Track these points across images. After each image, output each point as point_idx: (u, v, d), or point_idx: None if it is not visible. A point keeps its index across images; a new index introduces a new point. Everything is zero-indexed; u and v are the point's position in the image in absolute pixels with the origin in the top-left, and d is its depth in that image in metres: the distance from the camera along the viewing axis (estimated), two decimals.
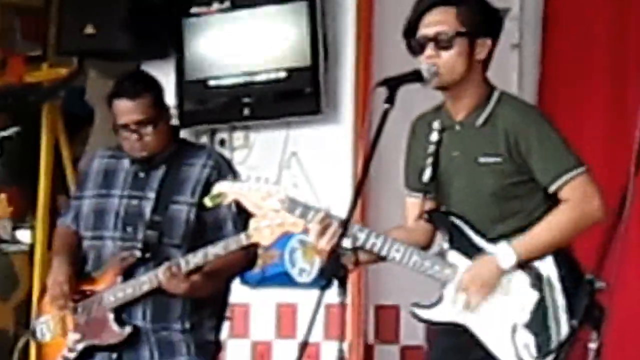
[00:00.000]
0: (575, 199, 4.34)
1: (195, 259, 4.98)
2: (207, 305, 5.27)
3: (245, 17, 7.39)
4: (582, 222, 4.36)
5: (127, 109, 5.15)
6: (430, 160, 4.53)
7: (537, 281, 4.35)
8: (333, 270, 4.15)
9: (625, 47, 7.17)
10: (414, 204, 4.64)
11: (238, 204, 4.70)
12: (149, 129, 5.15)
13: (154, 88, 5.33)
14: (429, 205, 4.59)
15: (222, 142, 7.49)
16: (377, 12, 7.12)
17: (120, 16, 7.53)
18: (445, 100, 4.55)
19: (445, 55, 4.40)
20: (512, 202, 4.44)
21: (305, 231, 4.57)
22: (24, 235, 9.31)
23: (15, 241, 9.43)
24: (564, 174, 4.36)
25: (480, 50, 4.47)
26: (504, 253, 4.33)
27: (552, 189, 4.38)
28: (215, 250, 4.96)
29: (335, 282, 4.10)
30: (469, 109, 4.49)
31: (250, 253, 5.14)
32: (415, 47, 4.47)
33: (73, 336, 5.23)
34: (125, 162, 5.30)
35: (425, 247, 4.58)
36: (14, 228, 9.49)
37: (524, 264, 4.35)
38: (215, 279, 5.12)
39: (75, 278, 5.22)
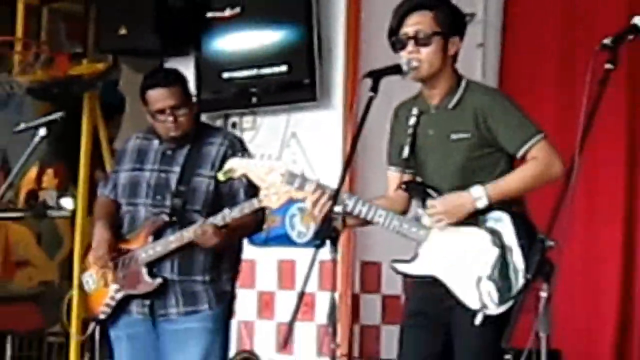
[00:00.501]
0: (541, 158, 4.34)
1: (216, 220, 4.98)
2: (225, 261, 5.26)
3: (252, 21, 7.41)
4: (545, 177, 4.35)
5: (162, 96, 5.13)
6: (409, 139, 4.51)
7: (498, 240, 4.32)
8: (326, 232, 4.19)
9: (572, 45, 7.17)
10: (394, 177, 4.63)
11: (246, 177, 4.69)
12: (182, 111, 5.15)
13: (182, 79, 5.31)
14: (407, 177, 4.57)
15: (233, 125, 7.49)
16: (364, 16, 7.14)
17: (148, 20, 7.55)
18: (421, 89, 4.54)
19: (424, 51, 4.39)
20: (478, 172, 4.41)
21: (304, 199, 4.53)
22: (67, 202, 9.34)
23: (59, 208, 9.44)
24: (528, 140, 4.36)
25: (451, 47, 4.47)
26: (477, 192, 4.31)
27: (519, 154, 4.39)
28: (233, 213, 4.97)
29: (328, 242, 4.14)
30: (442, 95, 4.47)
31: (259, 217, 5.14)
32: (397, 44, 4.45)
33: (113, 287, 5.23)
34: (155, 143, 5.29)
35: (403, 212, 4.55)
36: (59, 197, 9.50)
37: (489, 230, 4.32)
38: (234, 236, 5.12)
39: (114, 239, 5.21)
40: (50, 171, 9.65)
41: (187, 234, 5.03)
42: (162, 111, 5.13)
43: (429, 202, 4.38)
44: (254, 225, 5.22)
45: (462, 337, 4.37)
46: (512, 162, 4.45)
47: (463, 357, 4.39)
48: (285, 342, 7.02)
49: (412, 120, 4.52)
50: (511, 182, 4.35)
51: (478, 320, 4.26)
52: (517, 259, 4.30)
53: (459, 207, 4.33)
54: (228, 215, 4.97)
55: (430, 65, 4.39)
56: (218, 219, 4.98)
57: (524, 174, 4.36)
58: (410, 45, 4.39)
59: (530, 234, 4.28)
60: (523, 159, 4.38)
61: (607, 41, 3.65)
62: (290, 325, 4.20)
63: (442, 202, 4.35)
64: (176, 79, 5.24)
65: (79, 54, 8.51)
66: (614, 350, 6.96)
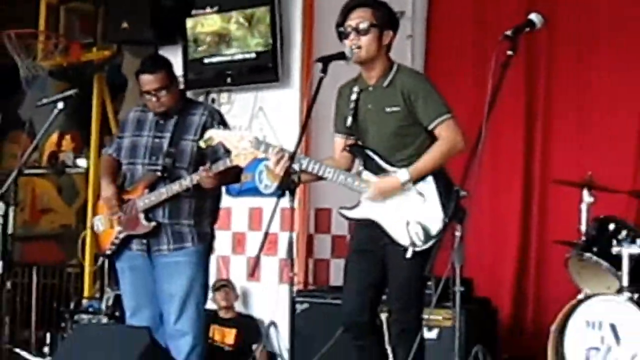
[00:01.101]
0: (447, 136, 4.34)
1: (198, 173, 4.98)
2: (206, 208, 5.23)
3: (228, 17, 7.33)
4: (452, 152, 4.35)
5: (148, 81, 5.13)
6: (351, 112, 4.48)
7: (422, 191, 4.33)
8: (286, 185, 4.21)
9: (484, 36, 7.16)
10: (339, 141, 4.60)
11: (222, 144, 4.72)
12: (163, 93, 5.12)
13: (166, 65, 5.26)
14: (350, 142, 4.54)
15: (212, 100, 7.41)
16: (316, 16, 7.09)
17: (145, 16, 7.50)
18: (361, 72, 4.51)
19: (364, 39, 4.37)
20: (406, 138, 4.40)
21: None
22: (81, 162, 9.30)
23: (75, 166, 9.41)
24: (439, 117, 4.36)
25: (385, 38, 4.44)
26: (404, 177, 4.31)
27: (430, 127, 4.37)
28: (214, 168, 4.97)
29: (288, 193, 4.17)
30: (377, 76, 4.45)
31: (238, 173, 5.12)
32: (343, 35, 4.43)
33: (117, 228, 5.21)
34: (150, 114, 5.24)
35: (347, 169, 4.54)
36: (75, 157, 9.46)
37: (414, 181, 4.33)
38: (222, 180, 5.12)
39: (118, 191, 5.20)
40: (68, 137, 9.59)
41: (175, 187, 5.02)
42: (148, 92, 5.14)
43: (365, 195, 4.38)
44: (235, 177, 5.20)
45: (395, 268, 4.35)
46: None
47: (395, 284, 4.38)
48: (253, 271, 7.06)
49: (354, 97, 4.48)
50: (426, 162, 4.33)
51: (408, 254, 4.26)
52: (437, 206, 4.30)
53: (391, 190, 4.34)
54: (215, 168, 4.95)
55: (368, 51, 4.37)
56: (218, 166, 4.96)
57: (434, 154, 4.34)
58: (353, 35, 4.37)
59: (447, 187, 4.29)
60: (433, 132, 4.38)
61: (508, 33, 3.68)
62: (257, 259, 4.20)
63: (376, 188, 4.36)
64: (160, 67, 5.21)
65: (89, 44, 8.40)
66: (513, 277, 7.00)
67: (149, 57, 5.72)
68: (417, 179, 4.32)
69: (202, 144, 4.77)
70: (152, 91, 5.11)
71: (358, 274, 4.47)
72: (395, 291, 4.38)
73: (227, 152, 4.84)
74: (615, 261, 5.37)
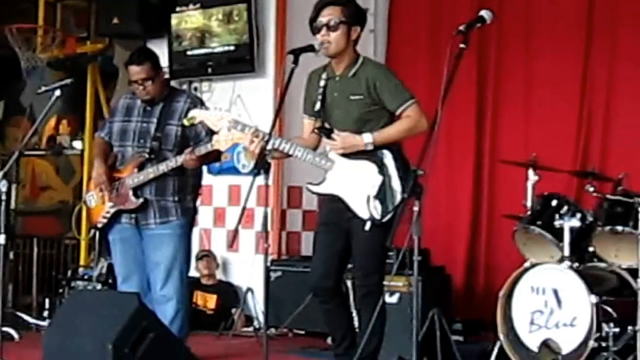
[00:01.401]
0: (412, 116, 4.31)
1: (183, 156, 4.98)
2: (189, 186, 5.21)
3: (209, 13, 7.28)
4: (415, 130, 4.31)
5: (135, 71, 5.12)
6: (320, 97, 4.42)
7: (382, 169, 4.28)
8: (262, 165, 4.17)
9: (439, 31, 7.16)
10: (308, 123, 4.54)
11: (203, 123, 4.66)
12: (149, 83, 5.11)
13: (152, 57, 5.23)
14: (317, 124, 4.47)
15: (195, 89, 7.35)
16: (289, 11, 7.06)
17: (134, 13, 7.46)
18: (330, 62, 4.44)
19: (333, 34, 4.31)
20: (369, 122, 4.34)
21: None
22: (77, 144, 9.21)
23: (72, 148, 9.34)
24: (405, 102, 4.32)
25: (353, 33, 4.38)
26: (367, 138, 4.27)
27: (398, 112, 4.33)
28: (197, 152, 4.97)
29: (263, 172, 4.13)
30: (344, 67, 4.39)
31: (218, 155, 5.07)
32: (315, 30, 4.37)
33: (108, 204, 5.18)
34: (139, 101, 5.22)
35: (314, 148, 4.48)
36: (71, 140, 9.39)
37: (376, 162, 4.27)
38: (202, 162, 5.12)
39: (109, 170, 5.17)
40: (64, 121, 9.49)
41: (162, 167, 5.01)
42: (135, 82, 5.12)
43: (334, 136, 4.31)
44: (216, 158, 5.17)
45: (358, 239, 4.31)
46: (392, 116, 4.38)
47: (359, 254, 4.33)
48: (232, 243, 7.02)
49: (322, 83, 4.42)
50: (391, 131, 4.31)
51: (367, 227, 4.22)
52: (395, 183, 4.26)
53: (353, 146, 4.28)
54: (197, 151, 4.94)
55: (337, 45, 4.32)
56: (200, 149, 4.95)
57: (400, 127, 4.31)
58: (324, 30, 4.31)
59: (404, 166, 4.26)
60: (400, 115, 4.35)
61: (461, 28, 3.68)
62: (235, 231, 4.17)
63: (342, 140, 4.29)
64: (146, 59, 5.18)
65: (83, 37, 8.35)
66: (466, 248, 7.01)
67: (136, 50, 5.66)
68: (378, 147, 4.28)
69: (185, 122, 4.76)
70: (139, 81, 5.10)
71: (325, 244, 4.42)
72: (358, 260, 4.34)
73: (209, 134, 4.81)
74: (558, 233, 5.35)
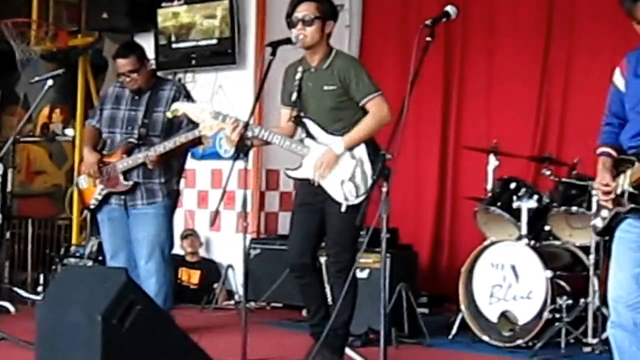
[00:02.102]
0: (376, 111, 4.29)
1: (170, 143, 4.98)
2: (173, 169, 5.20)
3: (192, 8, 7.22)
4: (380, 125, 4.30)
5: (122, 64, 5.11)
6: (296, 88, 4.40)
7: (354, 155, 4.28)
8: (241, 150, 4.15)
9: (408, 26, 7.13)
10: (286, 113, 4.52)
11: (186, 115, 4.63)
12: (135, 75, 5.11)
13: (137, 50, 5.22)
14: (294, 113, 4.45)
15: (179, 80, 7.21)
16: (268, 7, 7.02)
17: (122, 8, 7.38)
18: (305, 55, 4.42)
19: (309, 29, 4.29)
20: (341, 112, 4.34)
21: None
22: (69, 131, 9.14)
23: (64, 135, 9.27)
24: (370, 94, 4.31)
25: (327, 27, 4.36)
26: (339, 148, 4.25)
27: (362, 103, 4.32)
28: (181, 138, 4.97)
29: (243, 157, 4.11)
30: (319, 60, 4.37)
31: (197, 139, 5.04)
32: (291, 24, 4.33)
33: (99, 187, 5.16)
34: (127, 91, 5.20)
35: (291, 136, 4.46)
36: (64, 127, 9.32)
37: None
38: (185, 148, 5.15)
39: (98, 155, 5.15)
40: (57, 110, 9.43)
41: (150, 153, 4.99)
42: (122, 74, 5.12)
43: (314, 165, 4.27)
44: (196, 142, 5.14)
45: (332, 219, 4.31)
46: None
47: (332, 233, 4.34)
48: (214, 222, 6.99)
49: (298, 75, 4.40)
50: (359, 132, 4.28)
51: (343, 208, 4.23)
52: (367, 167, 4.26)
53: (329, 163, 4.25)
54: (180, 139, 4.96)
55: (312, 38, 4.30)
56: (187, 136, 4.95)
57: (364, 127, 4.28)
58: (299, 25, 4.28)
59: (375, 151, 4.24)
60: (364, 106, 4.32)
61: (428, 22, 3.65)
62: (217, 212, 4.15)
63: (320, 162, 4.26)
64: (132, 52, 5.16)
65: (75, 31, 8.24)
66: (432, 227, 7.02)
67: (123, 44, 5.65)
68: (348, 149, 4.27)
69: (169, 114, 4.74)
70: (126, 73, 5.09)
71: (301, 224, 4.42)
72: (332, 238, 4.34)
73: (190, 123, 4.78)
74: (516, 213, 5.39)
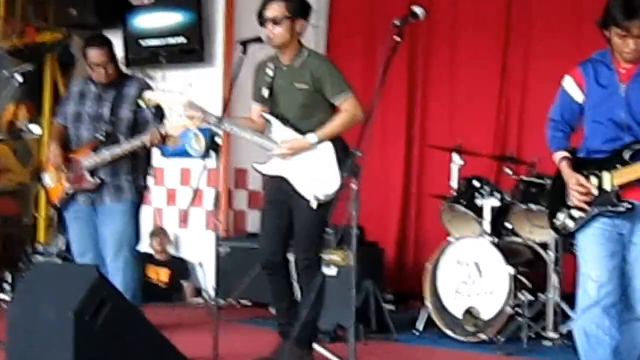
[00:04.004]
0: (349, 110, 4.33)
1: (138, 140, 4.95)
2: (140, 166, 5.17)
3: (161, 7, 7.24)
4: (352, 123, 4.33)
5: (97, 54, 5.06)
6: (268, 85, 4.43)
7: (323, 152, 4.32)
8: (211, 145, 4.22)
9: (374, 25, 7.19)
10: (256, 108, 4.54)
11: (157, 107, 4.62)
12: (111, 65, 5.09)
13: (110, 44, 5.19)
14: (264, 109, 4.48)
15: (149, 77, 7.17)
16: (237, 5, 7.05)
17: (91, 4, 7.33)
18: (276, 53, 4.44)
19: (278, 28, 4.31)
20: (312, 109, 4.37)
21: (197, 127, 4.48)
22: (35, 129, 9.01)
23: (30, 132, 9.16)
24: (343, 94, 4.36)
25: (297, 26, 4.38)
26: (312, 139, 4.30)
27: (336, 103, 4.36)
28: (148, 136, 4.92)
29: (213, 155, 4.14)
30: (290, 58, 4.39)
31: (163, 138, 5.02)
32: (262, 23, 4.35)
33: (67, 185, 5.11)
34: (92, 87, 5.15)
35: (261, 132, 4.48)
36: (29, 125, 9.20)
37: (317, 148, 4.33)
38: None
39: (64, 152, 5.10)
40: (23, 107, 9.28)
41: (117, 150, 4.96)
42: (97, 64, 5.05)
43: (280, 143, 4.32)
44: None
45: (299, 216, 4.34)
46: (332, 105, 4.41)
47: (300, 230, 4.37)
48: (184, 219, 7.00)
49: (270, 72, 4.42)
50: (332, 127, 4.32)
51: (314, 205, 4.27)
52: (334, 166, 4.29)
53: (300, 147, 4.31)
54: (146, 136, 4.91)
55: (282, 37, 4.32)
56: (138, 140, 4.92)
57: (338, 122, 4.33)
58: (270, 24, 4.30)
59: (344, 150, 4.27)
60: (338, 106, 4.37)
61: (397, 22, 3.65)
62: (186, 212, 4.14)
63: (289, 146, 4.31)
64: (105, 42, 5.15)
65: (42, 27, 8.16)
66: (397, 224, 7.10)
67: (94, 35, 5.60)
68: (322, 141, 4.31)
69: (141, 102, 4.69)
70: (102, 63, 5.04)
71: (272, 222, 4.44)
72: (300, 235, 4.36)
73: (157, 118, 4.79)
74: (479, 211, 5.48)
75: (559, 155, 3.54)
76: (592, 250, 3.40)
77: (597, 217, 3.40)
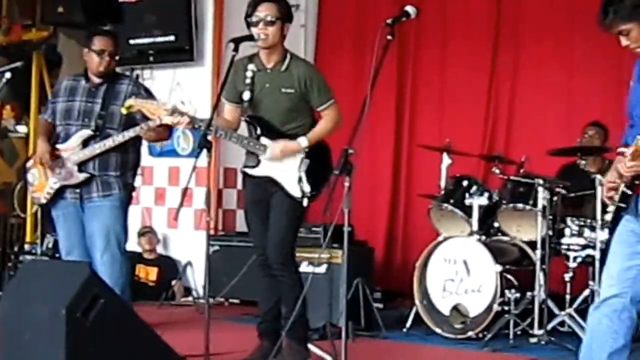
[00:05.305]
0: (332, 116, 4.43)
1: (132, 131, 4.97)
2: (129, 162, 5.16)
3: (149, 6, 7.23)
4: (335, 128, 4.44)
5: (107, 43, 5.08)
6: (249, 87, 4.42)
7: (307, 154, 4.40)
8: (203, 144, 4.02)
9: (364, 25, 7.23)
10: (230, 109, 4.52)
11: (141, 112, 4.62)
12: (112, 57, 5.10)
13: (116, 37, 5.27)
14: (241, 111, 4.46)
15: (137, 76, 7.20)
16: (226, 4, 7.07)
17: (78, 2, 7.27)
18: (260, 54, 4.44)
19: (271, 29, 4.33)
20: (295, 113, 4.42)
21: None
22: (21, 128, 9.02)
23: (16, 131, 9.16)
24: (327, 101, 4.43)
25: (285, 29, 4.41)
26: (304, 142, 4.36)
27: (320, 109, 4.45)
28: (136, 130, 4.95)
29: (205, 153, 3.98)
30: (276, 61, 4.41)
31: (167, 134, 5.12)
32: (252, 23, 4.35)
33: (52, 180, 5.09)
34: (82, 82, 5.13)
35: (235, 129, 4.48)
36: (15, 124, 9.21)
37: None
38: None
39: (51, 148, 5.07)
40: (8, 106, 9.27)
41: (109, 142, 4.97)
42: (103, 51, 5.05)
43: (271, 147, 4.36)
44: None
45: (276, 212, 4.39)
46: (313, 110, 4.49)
47: (276, 225, 4.40)
48: (176, 217, 6.99)
49: (250, 74, 4.41)
50: (318, 132, 4.40)
51: (305, 203, 4.34)
52: (321, 166, 4.38)
53: (291, 151, 4.37)
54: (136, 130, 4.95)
55: (273, 38, 4.33)
56: (131, 132, 4.95)
57: (324, 127, 4.41)
58: (262, 24, 4.31)
59: (323, 149, 4.41)
60: (321, 112, 4.44)
61: (389, 21, 3.67)
62: (178, 209, 4.13)
63: (282, 149, 4.36)
64: (113, 34, 5.24)
65: (29, 25, 8.16)
66: (386, 223, 7.16)
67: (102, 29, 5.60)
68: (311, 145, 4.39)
69: (123, 110, 4.65)
70: (108, 51, 5.05)
71: (257, 221, 4.47)
72: (276, 231, 4.40)
73: (145, 119, 4.77)
74: (467, 210, 5.55)
75: (618, 150, 3.43)
76: (612, 247, 3.38)
77: (625, 214, 3.34)
